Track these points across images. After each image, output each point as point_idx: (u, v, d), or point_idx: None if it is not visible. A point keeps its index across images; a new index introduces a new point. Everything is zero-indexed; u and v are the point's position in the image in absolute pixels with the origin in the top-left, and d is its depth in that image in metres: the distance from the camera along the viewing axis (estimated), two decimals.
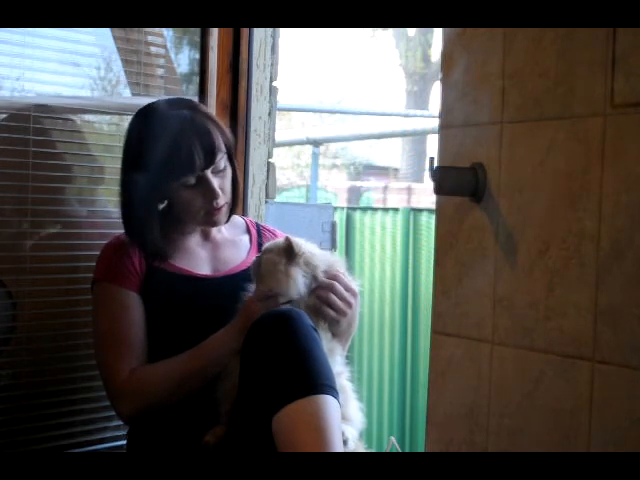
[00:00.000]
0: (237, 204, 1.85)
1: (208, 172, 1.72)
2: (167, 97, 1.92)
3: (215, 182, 1.73)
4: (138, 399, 1.64)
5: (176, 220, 1.79)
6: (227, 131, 1.79)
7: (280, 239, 1.70)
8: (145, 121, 1.75)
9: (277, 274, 1.64)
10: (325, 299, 1.64)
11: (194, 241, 1.81)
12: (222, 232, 1.87)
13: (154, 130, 1.71)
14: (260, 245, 1.88)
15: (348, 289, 1.67)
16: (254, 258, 1.73)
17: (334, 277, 1.66)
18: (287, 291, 1.63)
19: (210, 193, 1.73)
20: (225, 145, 1.76)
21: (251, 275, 1.70)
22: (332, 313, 1.65)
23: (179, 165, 1.69)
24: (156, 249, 1.75)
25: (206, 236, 1.84)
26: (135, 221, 1.75)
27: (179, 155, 1.69)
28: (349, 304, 1.67)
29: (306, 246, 1.68)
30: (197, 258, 1.80)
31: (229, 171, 1.78)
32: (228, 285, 1.75)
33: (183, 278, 1.75)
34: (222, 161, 1.75)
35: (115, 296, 1.71)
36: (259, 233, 1.92)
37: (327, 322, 1.66)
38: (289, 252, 1.64)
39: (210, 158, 1.71)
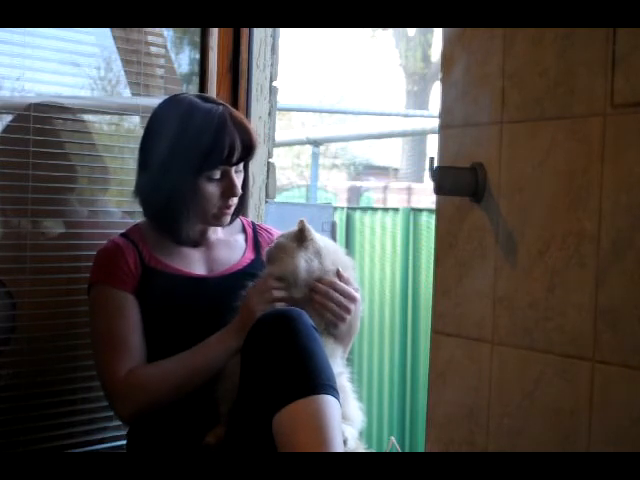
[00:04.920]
0: (242, 208, 1.85)
1: (233, 169, 1.74)
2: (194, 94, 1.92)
3: (236, 180, 1.75)
4: (136, 400, 1.64)
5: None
6: (257, 133, 1.81)
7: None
8: (180, 110, 1.74)
9: (284, 256, 1.67)
10: (321, 304, 1.65)
11: None
12: (217, 232, 1.86)
13: (192, 119, 1.72)
14: (256, 244, 1.88)
15: (346, 295, 1.67)
16: (267, 248, 1.75)
17: (330, 283, 1.66)
18: (288, 273, 1.64)
19: (231, 190, 1.74)
20: (256, 145, 1.78)
21: (265, 263, 1.74)
22: (330, 317, 1.65)
23: (217, 155, 1.70)
24: (192, 235, 1.76)
25: (201, 236, 1.83)
26: (169, 210, 1.74)
27: (220, 146, 1.70)
28: (347, 310, 1.67)
29: (322, 239, 1.71)
30: (192, 259, 1.79)
31: (242, 174, 1.79)
32: (224, 286, 1.75)
33: (179, 279, 1.75)
34: (242, 163, 1.77)
35: (111, 298, 1.71)
36: (255, 232, 1.92)
37: (326, 325, 1.66)
38: (300, 236, 1.66)
39: (247, 153, 1.74)
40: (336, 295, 1.65)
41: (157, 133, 1.76)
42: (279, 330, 1.51)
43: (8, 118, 1.90)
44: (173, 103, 1.78)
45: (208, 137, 1.70)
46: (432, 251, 1.43)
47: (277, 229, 1.96)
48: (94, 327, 1.74)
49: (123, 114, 2.16)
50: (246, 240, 1.89)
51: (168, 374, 1.65)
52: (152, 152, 1.76)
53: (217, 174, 1.72)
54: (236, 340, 1.61)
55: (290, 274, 1.65)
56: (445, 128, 1.37)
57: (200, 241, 1.81)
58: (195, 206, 1.74)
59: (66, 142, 1.98)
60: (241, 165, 1.77)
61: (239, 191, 1.75)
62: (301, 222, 1.68)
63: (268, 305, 1.63)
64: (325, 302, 1.65)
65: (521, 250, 1.25)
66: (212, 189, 1.73)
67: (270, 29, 2.33)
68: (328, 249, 1.70)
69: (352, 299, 1.68)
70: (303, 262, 1.65)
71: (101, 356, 1.71)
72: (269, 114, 2.36)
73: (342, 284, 1.67)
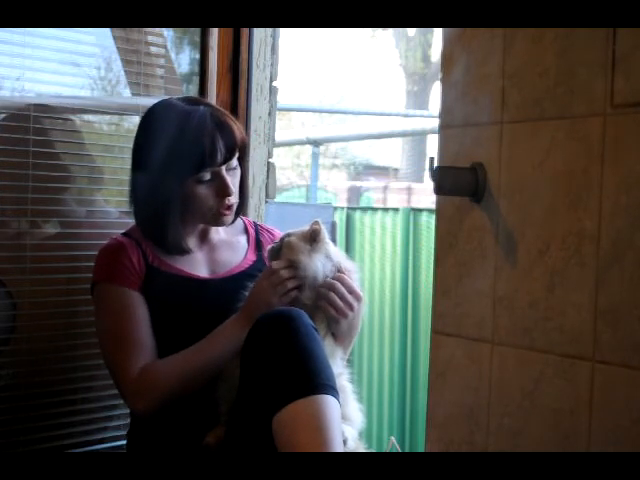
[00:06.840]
0: (244, 205, 1.84)
1: (223, 168, 1.72)
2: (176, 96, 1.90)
3: (228, 179, 1.73)
4: (152, 395, 1.62)
5: (181, 219, 1.76)
6: (242, 129, 1.79)
7: (304, 227, 1.69)
8: (162, 116, 1.73)
9: (299, 254, 1.65)
10: (325, 297, 1.64)
11: (192, 242, 1.79)
12: (219, 233, 1.85)
13: (173, 125, 1.70)
14: (258, 245, 1.88)
15: (351, 291, 1.67)
16: (269, 246, 1.73)
17: (338, 277, 1.66)
18: (305, 269, 1.63)
19: (223, 190, 1.72)
20: (241, 142, 1.76)
21: (268, 261, 1.71)
22: (332, 312, 1.65)
23: (200, 158, 1.68)
24: (179, 244, 1.74)
25: (203, 237, 1.82)
26: (156, 218, 1.73)
27: (201, 148, 1.68)
28: (350, 306, 1.67)
29: (330, 242, 1.70)
30: (195, 260, 1.79)
31: (239, 171, 1.78)
32: (226, 287, 1.74)
33: (182, 280, 1.74)
34: (235, 159, 1.75)
35: (118, 295, 1.70)
36: (257, 233, 1.91)
37: (327, 320, 1.66)
38: (314, 237, 1.65)
39: (231, 152, 1.72)
40: (342, 289, 1.65)
41: (143, 141, 1.76)
42: (278, 330, 1.51)
43: (8, 118, 1.90)
44: (156, 109, 1.78)
45: (187, 140, 1.69)
46: (432, 251, 1.43)
47: (278, 229, 1.96)
48: (102, 326, 1.73)
49: (123, 114, 2.16)
50: (248, 241, 1.89)
51: (181, 368, 1.64)
52: (140, 160, 1.76)
53: (207, 175, 1.71)
54: (246, 329, 1.58)
55: (307, 276, 1.64)
56: (445, 128, 1.37)
57: (199, 246, 1.81)
58: (191, 210, 1.73)
59: (66, 142, 1.98)
60: (233, 162, 1.74)
61: (232, 190, 1.73)
62: (317, 223, 1.67)
63: (282, 296, 1.63)
64: (329, 294, 1.64)
65: (521, 250, 1.25)
66: (204, 191, 1.72)
67: (270, 29, 2.33)
68: (336, 253, 1.70)
69: (357, 296, 1.68)
70: (320, 265, 1.65)
71: (112, 355, 1.69)
72: (269, 114, 2.36)
73: (349, 280, 1.68)
